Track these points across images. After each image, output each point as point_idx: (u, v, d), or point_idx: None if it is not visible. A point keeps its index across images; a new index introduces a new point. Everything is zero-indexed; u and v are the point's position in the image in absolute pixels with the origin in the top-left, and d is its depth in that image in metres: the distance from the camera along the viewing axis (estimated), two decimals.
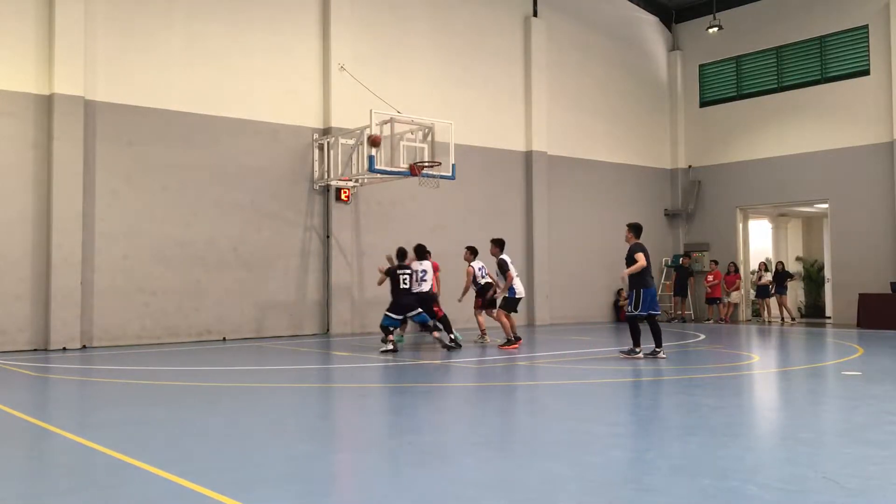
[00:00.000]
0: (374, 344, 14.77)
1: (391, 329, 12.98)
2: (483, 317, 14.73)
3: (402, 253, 13.51)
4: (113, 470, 5.13)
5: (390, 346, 12.70)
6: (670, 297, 22.43)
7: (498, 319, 13.64)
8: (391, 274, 13.25)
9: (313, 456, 5.60)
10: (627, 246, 11.96)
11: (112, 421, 7.08)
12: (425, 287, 13.29)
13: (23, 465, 5.50)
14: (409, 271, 13.20)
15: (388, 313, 13.10)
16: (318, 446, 6.00)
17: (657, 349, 11.60)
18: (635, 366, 10.93)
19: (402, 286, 13.06)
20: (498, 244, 13.79)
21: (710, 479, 4.69)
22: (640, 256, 11.56)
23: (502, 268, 13.44)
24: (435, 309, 13.39)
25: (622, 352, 11.90)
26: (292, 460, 5.40)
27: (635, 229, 12.12)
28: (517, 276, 13.67)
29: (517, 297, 13.52)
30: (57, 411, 8.02)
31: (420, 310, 13.07)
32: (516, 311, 13.82)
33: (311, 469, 5.22)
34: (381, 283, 13.73)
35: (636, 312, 11.55)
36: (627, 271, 11.62)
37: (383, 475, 4.93)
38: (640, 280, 11.57)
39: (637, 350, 11.55)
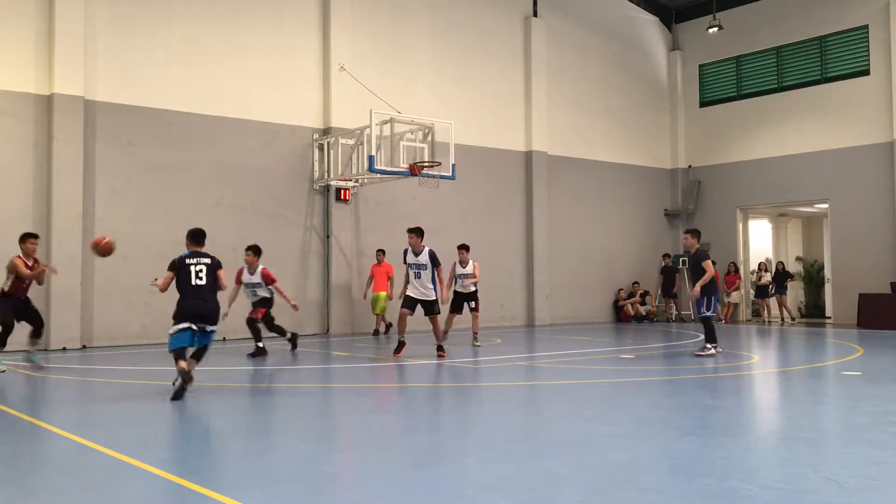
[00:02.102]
0: (372, 344, 14.77)
1: (185, 349, 8.30)
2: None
3: (197, 234, 8.79)
4: (113, 470, 5.13)
5: (179, 381, 8.11)
6: (662, 297, 22.36)
7: (437, 323, 11.96)
8: (177, 266, 8.50)
9: (313, 456, 5.60)
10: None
11: (112, 421, 7.08)
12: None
13: (22, 464, 5.50)
14: (206, 261, 8.55)
15: (175, 327, 8.30)
16: (318, 446, 6.00)
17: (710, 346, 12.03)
18: (635, 366, 10.93)
19: (194, 282, 8.40)
20: (419, 233, 11.75)
21: (710, 479, 4.69)
22: (708, 265, 11.78)
23: (435, 261, 11.67)
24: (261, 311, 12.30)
25: (696, 352, 12.01)
26: (292, 460, 5.40)
27: (697, 234, 12.28)
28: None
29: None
30: (57, 411, 8.01)
31: (215, 328, 8.51)
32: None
33: (311, 469, 5.22)
34: (164, 288, 8.55)
35: (709, 313, 11.88)
36: (699, 285, 11.77)
37: (383, 475, 4.93)
38: (712, 287, 11.87)
39: (709, 347, 11.84)
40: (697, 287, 11.78)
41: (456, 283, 13.75)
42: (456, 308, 13.63)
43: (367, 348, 14.07)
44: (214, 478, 4.85)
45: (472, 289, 13.80)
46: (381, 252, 16.55)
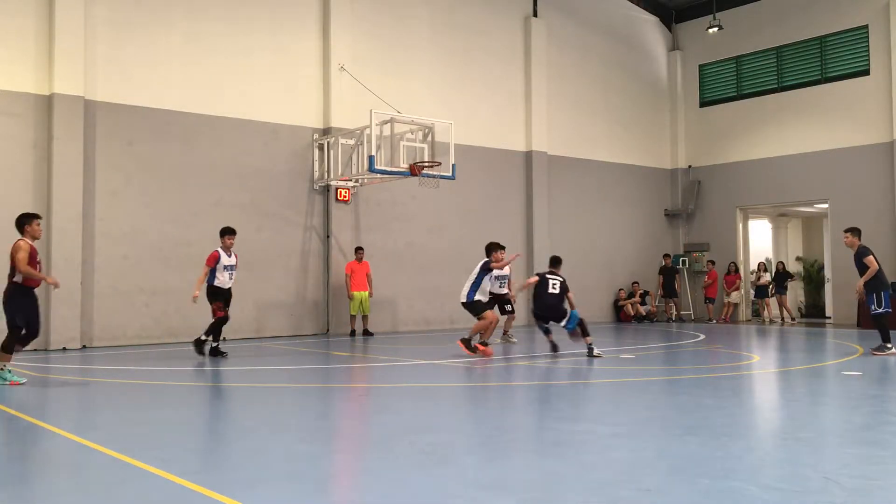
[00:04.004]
0: (373, 344, 14.76)
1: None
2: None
3: (553, 261, 12.97)
4: (113, 470, 5.13)
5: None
6: (662, 298, 22.42)
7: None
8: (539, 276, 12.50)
9: (313, 456, 5.60)
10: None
11: (112, 421, 7.08)
12: None
13: (23, 465, 5.50)
14: (560, 278, 12.28)
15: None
16: (319, 446, 6.00)
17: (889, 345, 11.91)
18: (635, 366, 10.92)
19: (549, 291, 12.13)
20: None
21: (710, 479, 4.69)
22: (870, 261, 11.78)
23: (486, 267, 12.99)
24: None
25: (873, 349, 12.01)
26: (292, 460, 5.40)
27: (858, 233, 12.21)
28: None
29: None
30: (57, 411, 8.01)
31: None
32: None
33: (312, 469, 5.22)
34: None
35: (881, 310, 11.81)
36: (862, 281, 11.83)
37: (383, 475, 4.93)
38: (879, 283, 11.82)
39: (889, 346, 11.78)
40: (861, 283, 11.84)
41: (492, 284, 13.77)
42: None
43: (366, 348, 14.07)
44: (214, 478, 4.85)
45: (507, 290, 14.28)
46: (360, 250, 16.55)
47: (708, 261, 22.41)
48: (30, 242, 9.15)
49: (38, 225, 9.40)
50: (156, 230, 14.89)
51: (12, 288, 9.11)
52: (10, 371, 9.07)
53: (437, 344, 14.63)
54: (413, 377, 10.49)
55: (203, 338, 11.93)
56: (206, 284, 11.85)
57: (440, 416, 7.40)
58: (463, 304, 12.49)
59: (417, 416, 7.30)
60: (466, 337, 12.29)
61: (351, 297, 16.34)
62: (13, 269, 9.07)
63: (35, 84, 13.94)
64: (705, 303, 22.17)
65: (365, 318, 16.64)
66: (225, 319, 11.90)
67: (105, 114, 14.52)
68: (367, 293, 16.39)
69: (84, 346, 13.94)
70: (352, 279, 16.31)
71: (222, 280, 11.88)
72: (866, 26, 19.91)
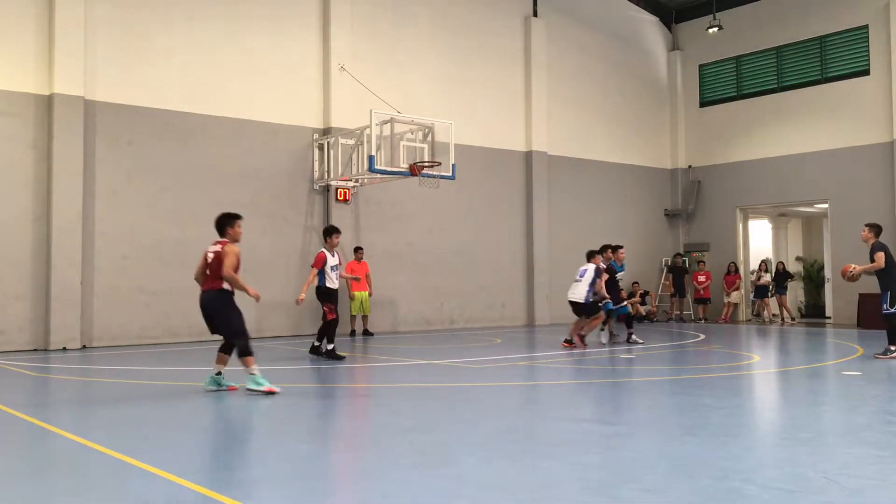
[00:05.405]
0: (373, 344, 14.76)
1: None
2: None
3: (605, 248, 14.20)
4: (113, 470, 5.13)
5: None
6: (670, 297, 22.50)
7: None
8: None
9: (313, 456, 5.60)
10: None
11: (112, 421, 7.08)
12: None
13: (23, 465, 5.50)
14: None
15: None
16: (318, 446, 6.00)
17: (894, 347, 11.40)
18: (636, 366, 10.92)
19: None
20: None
21: (710, 479, 4.69)
22: (879, 256, 11.36)
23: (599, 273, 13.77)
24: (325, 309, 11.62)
25: (877, 354, 11.57)
26: (292, 460, 5.40)
27: (877, 229, 11.81)
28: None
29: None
30: (57, 411, 8.01)
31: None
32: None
33: (312, 469, 5.22)
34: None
35: (892, 310, 11.30)
36: (862, 269, 11.45)
37: (383, 475, 4.93)
38: (891, 280, 11.38)
39: (893, 349, 11.32)
40: (860, 269, 11.43)
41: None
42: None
43: (366, 349, 14.07)
44: (214, 478, 4.85)
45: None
46: (360, 249, 16.51)
47: (698, 261, 22.49)
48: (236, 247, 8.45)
49: (240, 226, 8.78)
50: (155, 230, 14.89)
51: (226, 295, 8.66)
52: (262, 376, 8.31)
53: (436, 344, 14.63)
54: (413, 377, 10.49)
55: (317, 344, 11.98)
56: (314, 286, 11.74)
57: (440, 416, 7.40)
58: (581, 304, 13.44)
59: (417, 416, 7.30)
60: (583, 334, 13.63)
61: (351, 297, 16.32)
62: (216, 274, 8.53)
63: (35, 84, 13.94)
64: (694, 303, 22.28)
65: (365, 318, 16.65)
66: (336, 321, 11.87)
67: (105, 114, 14.52)
68: (367, 293, 16.37)
69: (84, 346, 13.94)
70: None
71: (332, 280, 11.77)
72: (866, 26, 19.91)
